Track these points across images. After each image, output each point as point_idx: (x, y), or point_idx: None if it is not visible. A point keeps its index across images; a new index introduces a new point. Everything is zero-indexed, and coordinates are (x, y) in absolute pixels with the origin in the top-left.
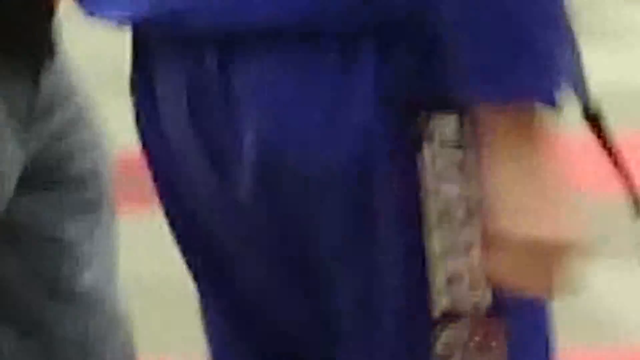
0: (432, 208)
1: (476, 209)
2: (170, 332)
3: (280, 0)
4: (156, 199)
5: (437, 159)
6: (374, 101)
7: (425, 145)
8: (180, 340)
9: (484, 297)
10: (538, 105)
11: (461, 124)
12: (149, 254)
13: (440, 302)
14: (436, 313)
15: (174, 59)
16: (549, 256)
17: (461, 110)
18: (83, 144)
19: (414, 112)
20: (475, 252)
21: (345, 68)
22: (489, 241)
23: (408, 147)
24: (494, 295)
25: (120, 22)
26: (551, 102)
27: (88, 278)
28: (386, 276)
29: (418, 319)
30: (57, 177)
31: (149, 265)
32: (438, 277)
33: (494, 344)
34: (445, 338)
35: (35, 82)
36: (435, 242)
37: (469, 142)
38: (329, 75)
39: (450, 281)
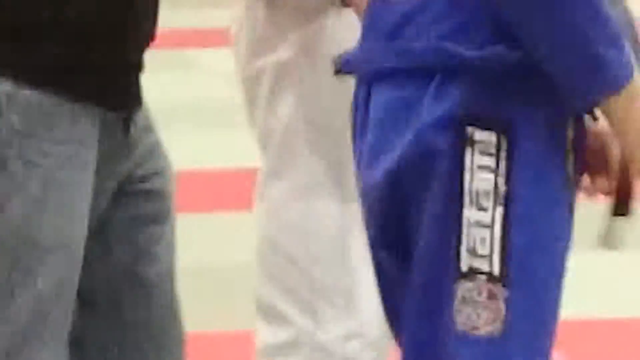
0: (467, 193)
1: (500, 200)
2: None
3: (394, 56)
4: None
5: (475, 162)
6: (438, 115)
7: (467, 151)
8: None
9: (494, 267)
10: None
11: (498, 141)
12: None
13: (466, 261)
14: (463, 268)
15: (356, 89)
16: None
17: (500, 131)
18: (157, 168)
19: (464, 127)
20: (496, 230)
21: (422, 92)
22: (632, 168)
23: (457, 149)
24: (502, 268)
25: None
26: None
27: (155, 273)
28: (435, 232)
29: (450, 269)
30: (139, 194)
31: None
32: (466, 242)
33: (494, 305)
34: (463, 290)
35: (128, 129)
36: (467, 216)
37: (501, 155)
38: (414, 98)
39: (474, 247)
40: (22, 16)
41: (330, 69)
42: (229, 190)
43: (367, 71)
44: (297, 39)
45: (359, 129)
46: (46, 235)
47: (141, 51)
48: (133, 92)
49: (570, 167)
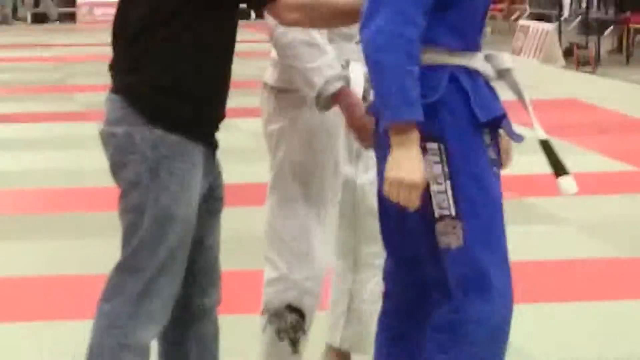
0: (430, 177)
1: (446, 177)
2: None
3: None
4: None
5: (430, 160)
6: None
7: (425, 155)
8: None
9: (452, 212)
10: (400, 127)
11: (439, 147)
12: None
13: (437, 212)
14: (437, 215)
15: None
16: (400, 185)
17: (439, 141)
18: (220, 183)
19: (422, 143)
20: (449, 194)
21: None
22: (386, 181)
23: (425, 146)
24: (456, 212)
25: None
26: (402, 126)
27: (212, 241)
28: (421, 200)
29: (431, 217)
30: (211, 197)
31: None
32: (435, 203)
33: (456, 232)
34: (439, 227)
35: (214, 158)
36: (433, 189)
37: (443, 153)
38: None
39: (440, 204)
40: (171, 89)
41: (304, 135)
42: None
43: (377, 108)
44: (288, 117)
45: (378, 142)
46: (178, 214)
47: (223, 116)
48: (217, 138)
49: (492, 153)
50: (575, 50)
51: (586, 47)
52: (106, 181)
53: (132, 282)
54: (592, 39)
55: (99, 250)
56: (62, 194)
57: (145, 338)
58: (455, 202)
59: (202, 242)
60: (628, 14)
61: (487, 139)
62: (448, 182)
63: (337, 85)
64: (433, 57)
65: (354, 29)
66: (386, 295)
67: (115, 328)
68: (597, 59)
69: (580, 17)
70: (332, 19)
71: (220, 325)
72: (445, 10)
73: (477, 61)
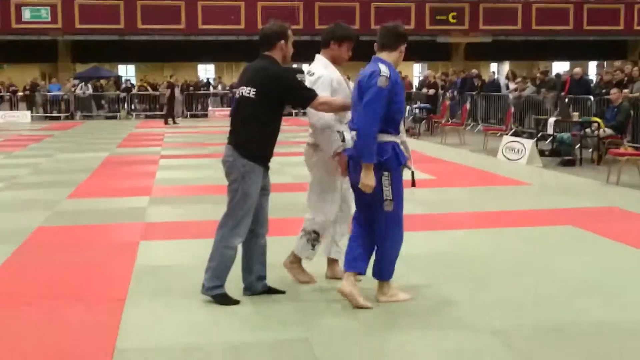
0: (384, 186)
1: (389, 184)
2: None
3: (360, 150)
4: None
5: (385, 180)
6: (377, 169)
7: (383, 177)
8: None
9: (390, 197)
10: (367, 165)
11: (388, 173)
12: None
13: (386, 197)
14: (384, 198)
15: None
16: (367, 186)
17: (388, 171)
18: (269, 182)
19: (382, 171)
20: (389, 190)
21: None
22: (361, 183)
23: (381, 177)
24: (392, 196)
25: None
26: (368, 164)
27: (265, 206)
28: (379, 194)
29: (382, 199)
30: (264, 188)
31: None
32: (385, 194)
33: (391, 204)
34: (386, 203)
35: (267, 172)
36: (385, 190)
37: (389, 176)
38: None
39: (388, 194)
40: (252, 142)
41: (323, 165)
42: (285, 188)
43: (353, 154)
44: (318, 157)
45: (351, 168)
46: (252, 194)
47: (272, 155)
48: (269, 164)
49: (402, 174)
50: (411, 130)
51: (415, 128)
52: (218, 182)
53: (231, 220)
54: (417, 125)
55: (215, 209)
56: (201, 187)
57: (236, 244)
58: (392, 194)
59: (261, 206)
60: (431, 115)
61: (402, 168)
62: (390, 187)
63: (340, 149)
64: (385, 137)
65: (346, 118)
66: (353, 226)
67: (223, 239)
68: (419, 134)
69: (412, 116)
70: (338, 109)
71: (268, 242)
72: (391, 118)
73: (398, 139)
